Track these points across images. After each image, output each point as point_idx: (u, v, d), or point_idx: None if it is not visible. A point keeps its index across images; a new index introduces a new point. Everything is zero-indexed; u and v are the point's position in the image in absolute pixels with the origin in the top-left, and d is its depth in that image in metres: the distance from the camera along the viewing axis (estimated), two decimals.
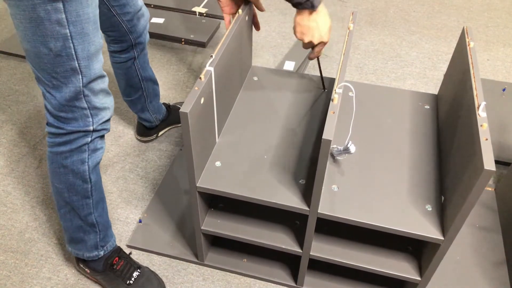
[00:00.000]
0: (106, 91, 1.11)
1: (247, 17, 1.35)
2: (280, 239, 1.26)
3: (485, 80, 2.07)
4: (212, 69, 1.09)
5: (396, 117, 1.36)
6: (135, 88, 1.63)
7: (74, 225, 1.26)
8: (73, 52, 0.98)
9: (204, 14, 2.51)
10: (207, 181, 1.17)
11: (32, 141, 1.83)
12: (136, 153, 1.79)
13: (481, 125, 0.97)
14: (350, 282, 1.36)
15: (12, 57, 2.24)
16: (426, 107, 1.40)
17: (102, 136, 1.17)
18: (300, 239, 1.26)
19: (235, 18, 1.28)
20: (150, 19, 2.44)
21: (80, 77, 1.02)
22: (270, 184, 1.17)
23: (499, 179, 1.69)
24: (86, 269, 1.37)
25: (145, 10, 1.48)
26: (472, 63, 1.14)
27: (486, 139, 0.94)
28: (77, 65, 1.00)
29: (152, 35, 2.37)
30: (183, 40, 2.34)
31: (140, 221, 1.53)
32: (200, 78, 1.06)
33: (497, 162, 1.74)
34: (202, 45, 2.32)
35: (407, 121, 1.35)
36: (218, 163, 1.22)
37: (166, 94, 2.05)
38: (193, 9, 2.52)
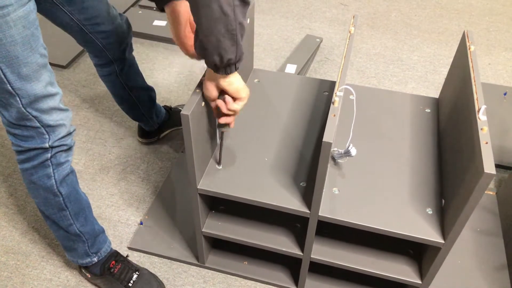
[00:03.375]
0: (58, 108, 1.06)
1: (248, 20, 1.35)
2: (281, 242, 1.26)
3: (486, 84, 2.07)
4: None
5: (397, 121, 1.36)
6: (124, 98, 1.61)
7: (61, 235, 1.28)
8: (2, 76, 0.96)
9: None
10: (208, 183, 1.18)
11: None
12: (137, 155, 1.79)
13: (481, 129, 0.97)
14: (350, 285, 1.36)
15: None
16: (427, 110, 1.40)
17: (67, 149, 1.14)
18: (301, 242, 1.26)
19: None
20: (153, 21, 2.45)
21: (18, 99, 0.99)
22: (271, 187, 1.17)
23: (500, 183, 1.69)
24: (87, 274, 1.39)
25: (125, 27, 1.43)
26: (472, 66, 1.14)
27: (486, 143, 0.94)
28: (10, 87, 0.97)
29: (154, 37, 2.37)
30: None
31: (141, 223, 1.53)
32: (202, 80, 1.07)
33: (498, 166, 1.74)
34: None
35: (408, 125, 1.35)
36: (219, 165, 1.22)
37: (168, 97, 2.05)
38: None
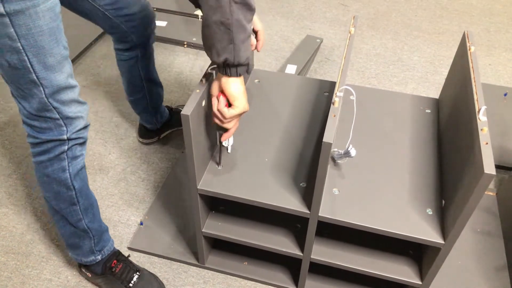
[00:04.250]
0: (77, 101, 1.09)
1: (251, 26, 1.35)
2: (281, 242, 1.26)
3: (487, 84, 2.07)
4: (213, 72, 1.10)
5: (397, 121, 1.36)
6: (137, 87, 1.63)
7: (68, 232, 1.28)
8: (29, 65, 0.98)
9: None
10: (208, 183, 1.18)
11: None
12: (137, 155, 1.79)
13: (481, 129, 0.97)
14: (350, 285, 1.36)
15: None
16: (427, 111, 1.40)
17: (82, 143, 1.16)
18: (301, 242, 1.26)
19: None
20: None
21: (42, 89, 1.02)
22: (271, 187, 1.17)
23: (501, 184, 1.69)
24: (87, 273, 1.38)
25: (149, 11, 1.47)
26: (472, 67, 1.14)
27: (487, 143, 0.94)
28: (35, 77, 1.00)
29: (155, 38, 2.37)
30: (185, 43, 2.35)
31: (141, 224, 1.53)
32: (202, 80, 1.07)
33: (498, 166, 1.74)
34: None
35: (408, 125, 1.35)
36: (219, 166, 1.22)
37: (168, 97, 2.05)
38: (196, 12, 2.53)
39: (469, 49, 1.20)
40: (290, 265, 1.41)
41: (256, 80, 1.49)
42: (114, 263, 1.36)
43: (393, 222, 1.10)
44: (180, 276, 1.42)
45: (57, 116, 1.07)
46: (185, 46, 2.36)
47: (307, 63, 2.20)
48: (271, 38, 2.44)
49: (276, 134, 1.31)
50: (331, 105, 1.04)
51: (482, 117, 1.00)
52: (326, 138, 0.96)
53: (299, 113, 1.38)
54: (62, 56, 1.02)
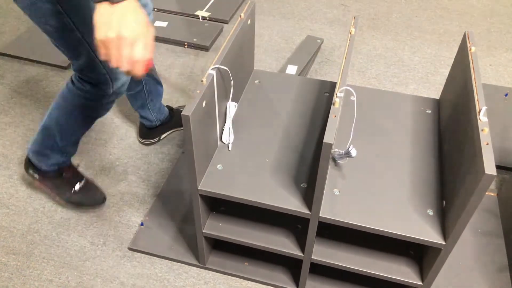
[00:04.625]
0: None
1: (249, 21, 1.35)
2: (281, 243, 1.26)
3: (488, 85, 2.07)
4: (214, 72, 1.10)
5: (397, 122, 1.36)
6: (135, 81, 1.63)
7: (47, 144, 1.41)
8: (72, 24, 1.10)
9: (207, 18, 2.52)
10: (208, 184, 1.18)
11: (28, 150, 1.84)
12: (138, 156, 1.80)
13: (482, 130, 0.97)
14: (351, 286, 1.36)
15: (16, 60, 2.26)
16: (427, 111, 1.40)
17: (120, 97, 1.33)
18: (302, 243, 1.26)
19: (237, 21, 1.28)
20: (153, 22, 2.45)
21: (87, 45, 1.14)
22: (272, 188, 1.17)
23: (502, 184, 1.69)
24: (35, 175, 1.48)
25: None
26: (473, 67, 1.14)
27: (487, 144, 0.94)
28: (79, 35, 1.12)
29: (155, 38, 2.37)
30: (186, 43, 2.35)
31: (142, 224, 1.53)
32: (202, 81, 1.07)
33: (499, 167, 1.74)
34: (205, 48, 2.33)
35: (408, 126, 1.35)
36: (219, 166, 1.22)
37: (169, 98, 2.05)
38: (196, 13, 2.53)
39: (470, 50, 1.20)
40: (291, 265, 1.41)
41: (257, 81, 1.49)
42: (65, 169, 1.50)
43: (394, 223, 1.10)
44: (180, 277, 1.42)
45: (104, 71, 1.21)
46: (186, 46, 2.36)
47: (308, 64, 2.20)
48: (271, 39, 2.44)
49: (277, 134, 1.31)
50: (332, 105, 1.04)
51: (482, 118, 1.00)
52: (327, 138, 0.96)
53: (300, 114, 1.38)
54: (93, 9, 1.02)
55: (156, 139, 1.84)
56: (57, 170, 1.47)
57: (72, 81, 1.30)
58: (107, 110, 1.37)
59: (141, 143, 1.85)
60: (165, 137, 1.86)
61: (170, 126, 1.85)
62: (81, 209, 1.59)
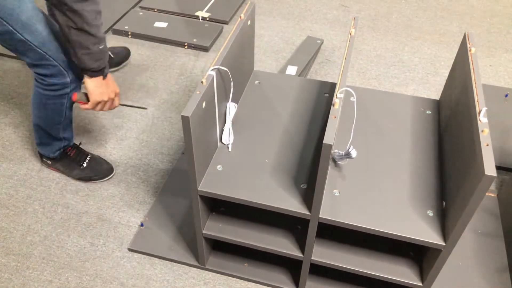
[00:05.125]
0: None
1: (249, 22, 1.35)
2: (281, 244, 1.26)
3: (487, 86, 2.07)
4: (214, 73, 1.10)
5: (397, 122, 1.36)
6: None
7: (44, 137, 1.58)
8: (10, 28, 1.26)
9: (207, 19, 2.52)
10: (208, 185, 1.18)
11: (35, 144, 1.84)
12: (138, 156, 1.80)
13: (482, 131, 0.97)
14: (351, 287, 1.36)
15: (16, 60, 2.26)
16: (427, 112, 1.40)
17: (81, 86, 1.45)
18: (302, 244, 1.26)
19: (237, 22, 1.28)
20: (153, 23, 2.46)
21: (30, 43, 1.29)
22: (272, 189, 1.17)
23: (502, 185, 1.69)
24: (48, 162, 1.69)
25: None
26: (473, 68, 1.14)
27: (487, 145, 0.94)
28: (20, 36, 1.28)
29: (155, 39, 2.38)
30: (186, 44, 2.35)
31: (141, 225, 1.53)
32: (202, 82, 1.07)
33: (499, 168, 1.74)
34: (205, 49, 2.33)
35: (408, 126, 1.35)
36: (219, 167, 1.22)
37: (169, 98, 2.05)
38: (196, 13, 2.53)
39: (470, 50, 1.20)
40: (291, 266, 1.41)
41: (257, 81, 1.49)
42: (69, 149, 1.66)
43: (394, 224, 1.10)
44: (180, 278, 1.42)
45: (56, 63, 1.35)
46: (186, 47, 2.36)
47: (308, 64, 2.20)
48: (271, 39, 2.44)
49: (277, 135, 1.31)
50: (332, 106, 1.04)
51: (482, 119, 1.00)
52: (327, 139, 0.96)
53: (300, 114, 1.38)
54: (33, 10, 1.28)
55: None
56: (62, 152, 1.65)
57: (35, 79, 1.42)
58: (70, 103, 1.50)
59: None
60: None
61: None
62: (93, 183, 1.69)
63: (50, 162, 1.69)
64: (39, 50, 1.31)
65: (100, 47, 1.31)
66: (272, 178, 1.19)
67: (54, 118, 1.51)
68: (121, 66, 2.20)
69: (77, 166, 1.66)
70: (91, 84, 1.39)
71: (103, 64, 1.36)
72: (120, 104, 1.84)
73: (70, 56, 1.34)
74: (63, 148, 1.64)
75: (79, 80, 1.43)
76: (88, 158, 1.68)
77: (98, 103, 1.42)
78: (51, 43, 1.33)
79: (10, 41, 1.29)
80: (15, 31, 1.27)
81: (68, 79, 1.39)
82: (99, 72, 1.36)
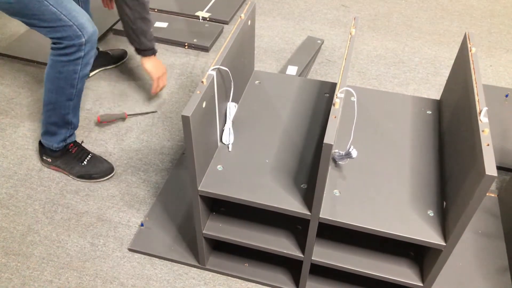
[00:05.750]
0: (78, 8, 1.44)
1: (249, 22, 1.35)
2: (281, 244, 1.26)
3: (488, 86, 2.07)
4: (214, 73, 1.10)
5: (398, 122, 1.36)
6: None
7: (52, 121, 1.60)
8: None
9: (207, 19, 2.52)
10: (208, 185, 1.18)
11: (35, 143, 1.84)
12: (138, 156, 1.79)
13: (482, 131, 0.97)
14: (351, 287, 1.36)
15: (16, 61, 2.26)
16: (428, 112, 1.40)
17: (94, 54, 1.53)
18: (302, 244, 1.26)
19: (238, 22, 1.28)
20: (154, 23, 2.46)
21: (46, 2, 1.36)
22: (272, 189, 1.17)
23: (502, 185, 1.68)
24: (48, 159, 1.69)
25: None
26: (473, 68, 1.14)
27: (488, 145, 0.94)
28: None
29: (156, 39, 2.37)
30: (186, 44, 2.35)
31: (142, 225, 1.53)
32: (202, 82, 1.07)
33: (499, 168, 1.73)
34: (205, 49, 2.33)
35: (409, 126, 1.35)
36: (220, 167, 1.22)
37: (169, 98, 2.05)
38: (197, 13, 2.53)
39: (470, 50, 1.20)
40: (291, 266, 1.41)
41: (257, 82, 1.49)
42: (71, 146, 1.68)
43: (394, 224, 1.10)
44: (181, 278, 1.42)
45: (70, 23, 1.41)
46: (186, 47, 2.36)
47: (308, 64, 2.20)
48: (272, 39, 2.44)
49: (277, 135, 1.31)
50: (332, 106, 1.04)
51: (483, 119, 1.00)
52: (327, 139, 0.96)
53: (300, 114, 1.38)
54: None
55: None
56: (64, 147, 1.67)
57: (51, 47, 1.47)
58: (89, 64, 1.53)
59: None
60: (93, 75, 2.12)
61: (96, 65, 2.12)
62: (93, 181, 1.69)
63: (50, 160, 1.69)
64: (55, 9, 1.39)
65: (151, 29, 1.68)
66: (273, 178, 1.19)
67: (66, 90, 1.53)
68: (119, 63, 2.22)
69: (78, 164, 1.67)
70: (149, 64, 1.81)
71: (154, 43, 1.74)
72: (131, 114, 1.95)
73: (130, 42, 1.71)
74: (66, 140, 1.66)
75: (93, 43, 1.49)
76: (89, 156, 1.70)
77: (159, 78, 1.82)
78: (65, 3, 1.42)
79: (28, 5, 1.35)
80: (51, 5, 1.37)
81: (83, 39, 1.45)
82: (153, 50, 1.77)
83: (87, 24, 1.46)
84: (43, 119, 1.63)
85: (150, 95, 2.05)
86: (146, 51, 1.75)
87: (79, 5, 1.83)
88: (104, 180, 1.70)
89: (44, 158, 1.70)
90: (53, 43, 1.46)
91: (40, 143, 1.71)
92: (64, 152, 1.68)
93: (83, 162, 1.68)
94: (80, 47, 1.46)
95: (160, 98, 2.05)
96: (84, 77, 1.55)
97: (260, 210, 1.32)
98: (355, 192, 1.17)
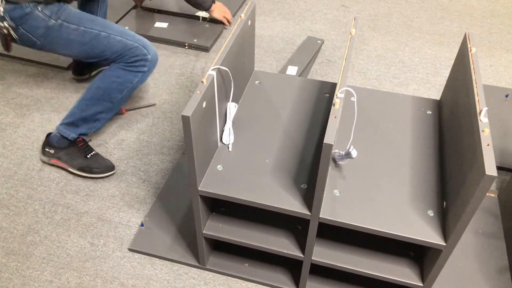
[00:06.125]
0: (137, 35, 1.66)
1: (249, 22, 1.35)
2: (282, 244, 1.26)
3: (488, 86, 2.07)
4: (214, 73, 1.10)
5: (398, 122, 1.36)
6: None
7: (84, 115, 1.67)
8: (94, 31, 1.58)
9: (208, 19, 2.52)
10: (208, 185, 1.18)
11: (35, 143, 1.84)
12: (138, 156, 1.79)
13: (482, 131, 0.97)
14: (351, 287, 1.36)
15: (16, 61, 2.26)
16: (428, 112, 1.40)
17: (148, 74, 1.68)
18: (302, 244, 1.26)
19: (238, 22, 1.28)
20: (154, 23, 2.46)
21: (113, 35, 1.59)
22: (272, 189, 1.17)
23: (502, 185, 1.68)
24: (51, 151, 1.70)
25: None
26: (474, 68, 1.14)
27: (488, 145, 0.94)
28: (103, 33, 1.59)
29: (156, 39, 2.38)
30: (186, 44, 2.35)
31: (142, 225, 1.53)
32: (202, 82, 1.07)
33: (500, 168, 1.73)
34: (205, 49, 2.33)
35: (409, 126, 1.35)
36: (220, 167, 1.22)
37: (169, 98, 2.05)
38: (197, 14, 2.53)
39: (470, 50, 1.20)
40: (291, 266, 1.41)
41: (257, 82, 1.49)
42: (79, 140, 1.72)
43: (394, 224, 1.10)
44: (181, 278, 1.42)
45: (136, 44, 1.61)
46: (186, 47, 2.36)
47: (308, 64, 2.20)
48: (272, 39, 2.44)
49: (277, 135, 1.31)
50: (332, 106, 1.04)
51: (483, 119, 1.00)
52: (327, 139, 0.96)
53: (300, 114, 1.38)
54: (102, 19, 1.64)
55: (87, 75, 2.11)
56: (74, 140, 1.70)
57: (117, 65, 1.63)
58: (143, 82, 1.69)
59: (73, 79, 2.12)
60: (94, 74, 2.12)
61: (97, 65, 2.13)
62: (92, 176, 1.70)
63: (53, 152, 1.70)
64: (121, 38, 1.59)
65: None
66: (273, 178, 1.19)
67: (113, 93, 1.64)
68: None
69: (81, 156, 1.69)
70: (215, 12, 2.33)
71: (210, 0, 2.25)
72: (129, 109, 1.98)
73: (196, 8, 2.25)
74: (82, 135, 1.72)
75: (155, 61, 1.67)
76: (93, 152, 1.72)
77: (223, 16, 2.38)
78: (124, 30, 1.62)
79: (97, 43, 1.57)
80: (99, 32, 1.57)
81: (149, 56, 1.63)
82: (211, 2, 2.27)
83: (150, 45, 1.65)
84: (75, 111, 1.67)
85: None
86: (207, 3, 2.23)
87: (99, 6, 1.98)
88: (104, 176, 1.70)
89: (47, 149, 1.71)
90: (123, 65, 1.63)
91: (48, 135, 1.72)
92: (71, 144, 1.70)
93: (86, 156, 1.70)
94: (146, 63, 1.63)
95: (160, 97, 2.05)
96: (132, 90, 1.68)
97: (260, 210, 1.32)
98: (355, 192, 1.17)
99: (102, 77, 1.65)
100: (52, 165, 1.74)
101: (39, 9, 1.52)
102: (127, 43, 1.60)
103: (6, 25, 1.50)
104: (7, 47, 1.59)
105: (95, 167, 1.69)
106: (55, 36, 1.56)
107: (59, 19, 1.55)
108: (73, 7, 1.62)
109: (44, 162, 1.75)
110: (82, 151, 1.71)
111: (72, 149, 1.70)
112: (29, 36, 1.56)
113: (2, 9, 1.48)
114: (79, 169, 1.69)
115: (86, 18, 1.59)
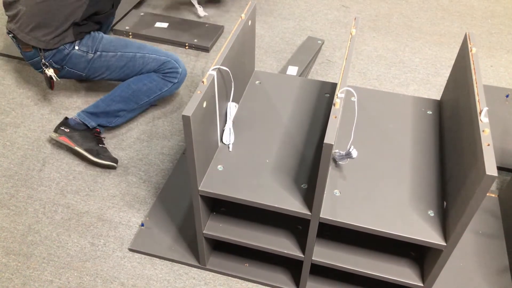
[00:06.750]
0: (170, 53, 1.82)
1: (250, 22, 1.35)
2: (282, 244, 1.26)
3: (488, 86, 2.07)
4: (214, 73, 1.10)
5: (398, 122, 1.36)
6: None
7: (106, 110, 1.76)
8: (129, 54, 1.75)
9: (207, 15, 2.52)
10: (209, 185, 1.18)
11: (36, 143, 1.84)
12: (139, 156, 1.80)
13: (483, 131, 0.97)
14: (352, 287, 1.36)
15: (16, 61, 2.26)
16: (428, 112, 1.40)
17: (178, 86, 1.83)
18: (302, 244, 1.26)
19: (238, 22, 1.28)
20: (154, 23, 2.46)
21: (148, 54, 1.76)
22: (272, 189, 1.17)
23: (502, 185, 1.68)
24: (66, 129, 1.73)
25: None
26: (474, 69, 1.14)
27: (488, 145, 0.94)
28: (139, 54, 1.76)
29: (156, 39, 2.38)
30: (186, 44, 2.35)
31: (142, 225, 1.53)
32: (203, 82, 1.07)
33: (500, 168, 1.73)
34: (206, 49, 2.33)
35: (409, 127, 1.35)
36: (220, 167, 1.22)
37: (169, 98, 2.05)
38: (197, 13, 2.53)
39: (471, 51, 1.20)
40: (291, 266, 1.41)
41: (257, 82, 1.49)
42: (97, 131, 1.78)
43: (395, 224, 1.10)
44: (181, 278, 1.42)
45: (168, 58, 1.77)
46: (187, 47, 2.36)
47: (308, 65, 2.20)
48: (272, 40, 2.44)
49: (277, 135, 1.31)
50: (332, 106, 1.04)
51: (483, 119, 1.00)
52: (327, 139, 0.96)
53: (300, 115, 1.38)
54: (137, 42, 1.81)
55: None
56: (93, 128, 1.76)
57: (153, 72, 1.78)
58: (170, 93, 1.83)
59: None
60: None
61: None
62: (95, 160, 1.70)
63: (68, 131, 1.73)
64: (155, 56, 1.76)
65: None
66: (273, 178, 1.19)
67: (140, 95, 1.76)
68: None
69: (93, 141, 1.74)
70: None
71: None
72: None
73: None
74: (99, 126, 1.78)
75: (183, 77, 1.82)
76: (104, 145, 1.78)
77: None
78: (156, 48, 1.79)
79: (134, 64, 1.74)
80: (135, 53, 1.75)
81: (179, 69, 1.79)
82: None
83: (180, 60, 1.80)
84: (100, 104, 1.76)
85: None
86: None
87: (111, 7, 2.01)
88: (105, 164, 1.71)
89: (62, 128, 1.74)
90: (161, 75, 1.78)
91: (65, 118, 1.77)
92: (87, 129, 1.75)
93: (101, 145, 1.76)
94: (177, 75, 1.78)
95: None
96: (158, 98, 1.82)
97: (260, 210, 1.32)
98: (355, 192, 1.17)
99: (136, 78, 1.76)
100: (58, 142, 1.76)
101: (76, 47, 1.69)
102: (160, 59, 1.75)
103: (52, 72, 1.70)
104: (50, 86, 1.78)
105: (102, 154, 1.72)
106: (97, 66, 1.74)
107: (97, 51, 1.72)
108: (101, 32, 1.79)
109: (52, 139, 1.77)
110: (96, 138, 1.76)
111: (87, 133, 1.75)
112: (74, 72, 1.75)
113: (43, 59, 1.67)
114: (86, 150, 1.71)
115: (120, 43, 1.75)
